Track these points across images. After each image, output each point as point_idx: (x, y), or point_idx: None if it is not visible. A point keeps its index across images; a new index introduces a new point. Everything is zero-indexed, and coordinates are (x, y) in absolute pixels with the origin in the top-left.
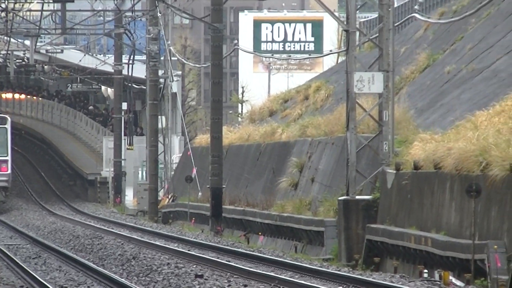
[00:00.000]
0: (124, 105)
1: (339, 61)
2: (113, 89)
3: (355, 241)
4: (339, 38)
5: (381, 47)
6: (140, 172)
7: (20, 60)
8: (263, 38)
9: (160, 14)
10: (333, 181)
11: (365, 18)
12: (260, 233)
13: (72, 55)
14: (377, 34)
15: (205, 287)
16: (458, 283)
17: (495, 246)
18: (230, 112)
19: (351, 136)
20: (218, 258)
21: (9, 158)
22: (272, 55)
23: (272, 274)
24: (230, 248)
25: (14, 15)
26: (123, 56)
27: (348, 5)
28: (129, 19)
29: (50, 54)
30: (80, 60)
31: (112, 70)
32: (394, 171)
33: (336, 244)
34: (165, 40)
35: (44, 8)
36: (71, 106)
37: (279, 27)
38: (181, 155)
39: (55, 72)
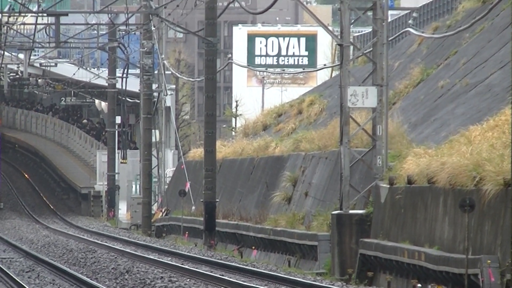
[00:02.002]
0: (118, 119)
1: (333, 75)
2: (106, 103)
3: (349, 255)
4: (333, 52)
5: (375, 62)
6: (133, 186)
7: (14, 74)
8: (257, 52)
9: (154, 28)
10: (326, 196)
11: (359, 32)
12: (253, 247)
13: (66, 69)
14: (371, 49)
15: None
16: None
17: (489, 261)
18: (224, 126)
19: (345, 150)
20: (211, 272)
21: None
22: (266, 69)
23: None
24: (224, 262)
25: (8, 29)
26: (117, 69)
27: (342, 20)
28: (123, 33)
29: (44, 67)
30: (73, 74)
31: (106, 84)
32: (388, 186)
33: (330, 258)
34: (159, 54)
35: (38, 22)
36: (65, 119)
37: (273, 41)
38: (174, 169)
39: (49, 86)
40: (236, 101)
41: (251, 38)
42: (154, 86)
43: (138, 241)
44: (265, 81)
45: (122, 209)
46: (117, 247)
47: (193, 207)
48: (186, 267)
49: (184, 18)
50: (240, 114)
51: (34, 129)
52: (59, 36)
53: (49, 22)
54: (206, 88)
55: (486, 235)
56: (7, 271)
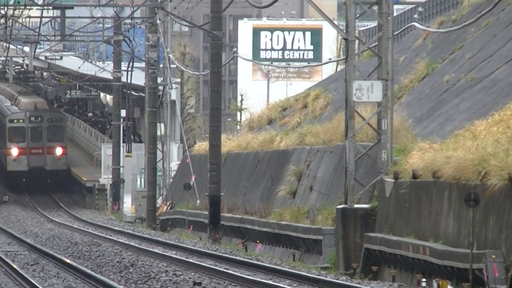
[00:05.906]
0: (123, 112)
1: (338, 69)
2: (111, 96)
3: (353, 249)
4: (338, 47)
5: (380, 56)
6: (138, 179)
7: (19, 67)
8: (262, 46)
9: (159, 22)
10: (331, 190)
11: (364, 26)
12: (258, 241)
13: (71, 62)
14: (376, 43)
15: None
16: None
17: (493, 256)
18: (229, 120)
19: (350, 144)
20: (216, 266)
21: None
22: (271, 63)
23: (270, 282)
24: (228, 256)
25: (14, 22)
26: (122, 63)
27: (347, 14)
28: (128, 26)
29: (49, 60)
30: (79, 67)
31: (111, 77)
32: (393, 180)
33: (334, 252)
34: (164, 47)
35: (43, 15)
36: (70, 112)
37: (278, 35)
38: (179, 162)
39: (54, 79)
40: (241, 95)
41: (256, 32)
42: (159, 80)
43: (142, 235)
44: (270, 75)
45: (127, 203)
46: (121, 240)
47: (198, 201)
48: (191, 261)
49: (190, 12)
50: (245, 108)
51: None
52: (65, 29)
53: (54, 15)
54: (211, 82)
55: (490, 230)
56: (12, 264)
